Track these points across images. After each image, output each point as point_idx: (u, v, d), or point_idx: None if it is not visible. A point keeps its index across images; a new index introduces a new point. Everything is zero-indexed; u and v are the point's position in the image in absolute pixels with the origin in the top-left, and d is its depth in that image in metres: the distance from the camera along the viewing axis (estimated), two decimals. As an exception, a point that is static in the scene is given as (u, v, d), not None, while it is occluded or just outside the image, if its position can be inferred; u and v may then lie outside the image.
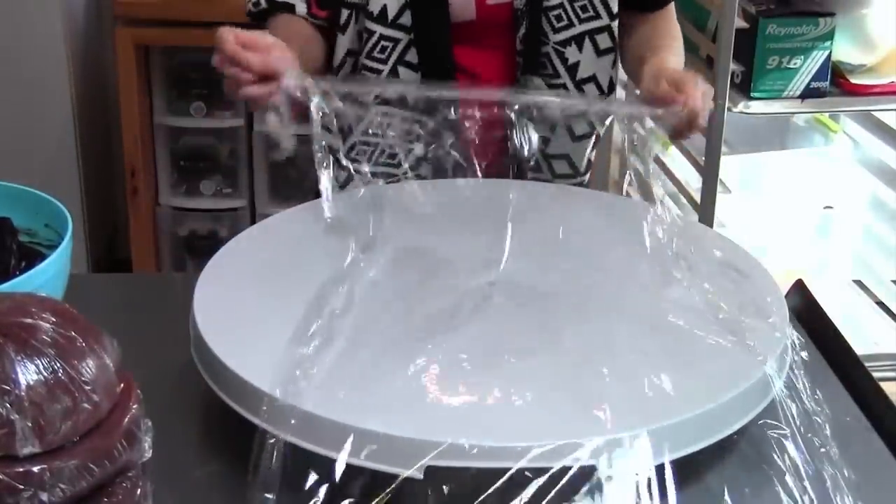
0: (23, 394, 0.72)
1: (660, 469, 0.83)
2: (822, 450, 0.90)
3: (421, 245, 1.12)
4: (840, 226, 2.27)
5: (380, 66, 1.37)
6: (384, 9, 1.35)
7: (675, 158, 2.21)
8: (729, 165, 2.02)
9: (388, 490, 0.80)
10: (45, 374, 0.73)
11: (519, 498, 0.79)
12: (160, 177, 2.67)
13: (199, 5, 2.33)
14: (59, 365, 0.74)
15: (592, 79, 1.42)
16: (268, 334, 0.94)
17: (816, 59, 1.88)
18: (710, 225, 1.68)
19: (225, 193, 2.67)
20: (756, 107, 1.91)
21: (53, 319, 0.76)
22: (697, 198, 2.02)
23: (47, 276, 1.01)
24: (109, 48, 2.60)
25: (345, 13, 1.37)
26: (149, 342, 1.04)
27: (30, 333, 0.74)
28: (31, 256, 1.10)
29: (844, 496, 0.85)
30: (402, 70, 1.37)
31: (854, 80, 1.95)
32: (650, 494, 0.81)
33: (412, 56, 1.37)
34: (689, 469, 0.85)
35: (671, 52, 1.41)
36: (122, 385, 0.79)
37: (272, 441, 0.83)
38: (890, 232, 2.22)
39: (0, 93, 2.50)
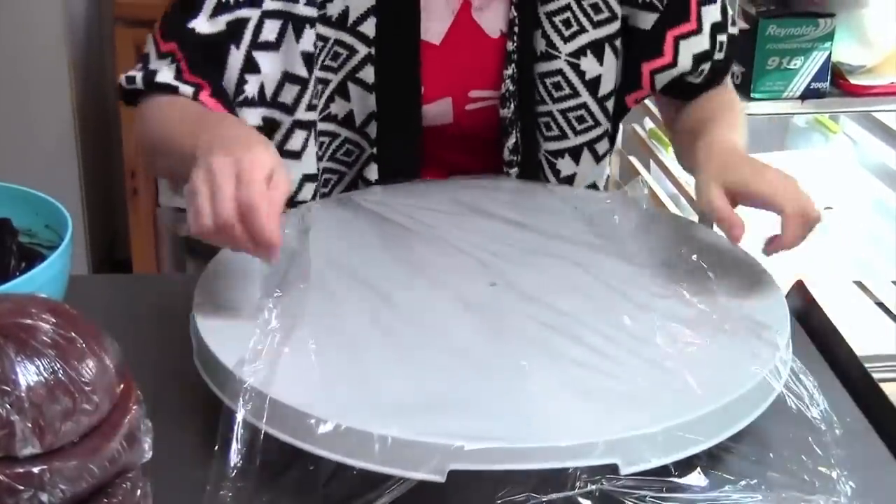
0: (23, 394, 0.72)
1: (661, 470, 0.83)
2: (822, 451, 0.89)
3: (421, 245, 1.12)
4: (840, 226, 2.27)
5: (343, 169, 1.26)
6: (350, 114, 1.21)
7: (675, 159, 2.21)
8: (729, 166, 2.01)
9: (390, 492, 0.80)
10: (45, 374, 0.73)
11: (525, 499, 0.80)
12: (160, 178, 2.66)
13: (200, 6, 2.33)
14: (59, 366, 0.74)
15: (592, 186, 1.32)
16: (267, 336, 0.94)
17: (816, 60, 1.89)
18: (710, 226, 1.68)
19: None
20: (756, 107, 1.91)
21: (53, 320, 0.76)
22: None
23: (47, 277, 1.01)
24: (110, 49, 2.60)
25: (301, 135, 1.18)
26: (149, 343, 1.04)
27: (30, 334, 0.74)
28: (31, 257, 1.10)
29: (844, 496, 0.85)
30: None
31: (854, 81, 1.95)
32: (651, 494, 0.82)
33: (372, 171, 1.24)
34: (689, 470, 0.85)
35: (729, 126, 1.15)
36: (122, 386, 0.79)
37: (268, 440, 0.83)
38: (890, 233, 2.22)
39: (0, 93, 2.50)
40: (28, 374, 0.72)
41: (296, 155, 1.20)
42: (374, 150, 1.24)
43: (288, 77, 1.17)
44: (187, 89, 1.11)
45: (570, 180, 1.29)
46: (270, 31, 1.15)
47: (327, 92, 1.21)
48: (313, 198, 1.23)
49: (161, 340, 1.05)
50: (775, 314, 1.01)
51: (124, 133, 2.55)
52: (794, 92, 1.91)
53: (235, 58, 1.14)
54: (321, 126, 1.22)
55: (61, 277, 1.05)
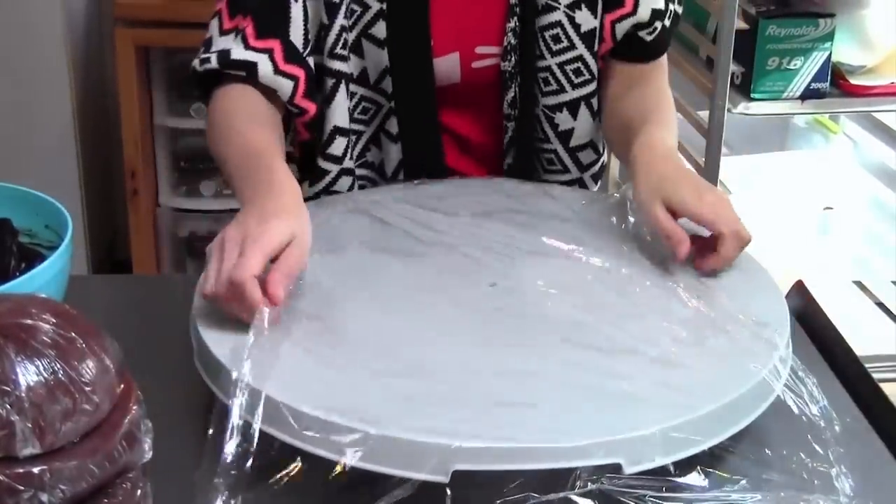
0: (23, 395, 0.72)
1: (661, 470, 0.83)
2: (822, 450, 0.89)
3: (421, 246, 1.12)
4: (840, 226, 2.27)
5: (361, 128, 1.29)
6: (364, 71, 1.25)
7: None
8: (729, 166, 2.02)
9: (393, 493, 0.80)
10: (46, 375, 0.73)
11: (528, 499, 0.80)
12: (160, 178, 2.67)
13: (199, 6, 2.32)
14: (59, 366, 0.74)
15: (589, 144, 1.34)
16: (269, 335, 0.94)
17: (816, 60, 1.88)
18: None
19: (225, 194, 2.67)
20: (756, 108, 1.91)
21: (53, 320, 0.76)
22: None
23: (47, 277, 1.01)
24: (110, 49, 2.60)
25: (329, 82, 1.24)
26: (149, 343, 1.04)
27: (30, 334, 0.74)
28: (32, 257, 1.10)
29: (844, 495, 0.85)
30: (383, 137, 1.29)
31: (854, 81, 1.95)
32: (651, 494, 0.82)
33: (391, 125, 1.28)
34: (689, 469, 0.85)
35: (665, 128, 1.21)
36: (122, 386, 0.79)
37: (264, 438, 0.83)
38: (890, 233, 2.22)
39: (0, 93, 2.50)
40: (28, 374, 0.72)
41: (325, 100, 1.24)
42: (392, 104, 1.27)
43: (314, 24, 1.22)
44: (282, 81, 1.17)
45: (568, 135, 1.32)
46: None
47: (345, 46, 1.24)
48: (344, 153, 1.27)
49: (161, 340, 1.05)
50: (775, 314, 1.01)
51: (124, 133, 2.55)
52: (794, 92, 1.90)
53: (297, 10, 1.20)
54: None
55: (61, 277, 1.05)
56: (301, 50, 1.19)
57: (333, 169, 1.28)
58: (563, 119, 1.30)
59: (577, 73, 1.28)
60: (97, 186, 2.71)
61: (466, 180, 1.30)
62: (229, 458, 0.81)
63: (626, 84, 1.31)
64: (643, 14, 1.26)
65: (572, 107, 1.30)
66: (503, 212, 1.20)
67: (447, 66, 1.27)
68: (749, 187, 2.18)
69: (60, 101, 2.54)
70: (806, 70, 1.89)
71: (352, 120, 1.28)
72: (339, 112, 1.25)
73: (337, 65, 1.23)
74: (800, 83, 1.90)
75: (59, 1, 2.48)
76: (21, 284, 0.98)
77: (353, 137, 1.29)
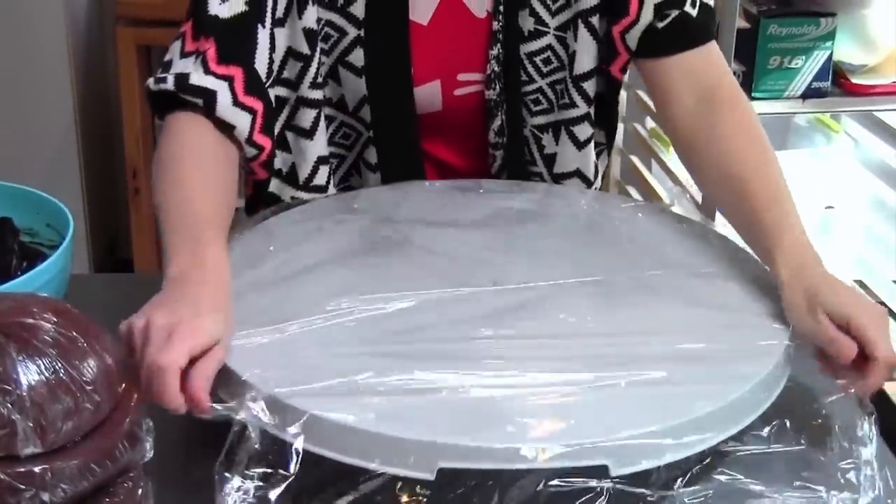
0: (24, 394, 0.72)
1: (663, 469, 0.83)
2: (822, 449, 0.90)
3: (421, 246, 1.12)
4: (841, 226, 2.27)
5: (343, 153, 1.27)
6: (342, 98, 1.22)
7: (675, 158, 2.20)
8: (730, 165, 2.01)
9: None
10: (47, 374, 0.73)
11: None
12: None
13: (201, 5, 2.33)
14: (60, 365, 0.74)
15: (576, 173, 1.29)
16: (269, 335, 0.94)
17: (818, 60, 1.88)
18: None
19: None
20: (757, 107, 1.89)
21: (55, 319, 0.76)
22: (698, 198, 2.02)
23: (49, 276, 1.01)
24: (111, 48, 2.60)
25: (311, 113, 1.19)
26: (150, 342, 1.04)
27: (31, 333, 0.74)
28: (33, 256, 1.11)
29: (844, 494, 0.85)
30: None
31: (855, 81, 1.95)
32: (658, 491, 0.82)
33: (371, 154, 1.24)
34: (690, 469, 0.85)
35: (789, 215, 1.07)
36: (123, 385, 0.79)
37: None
38: (891, 232, 2.22)
39: (2, 93, 2.50)
40: (29, 373, 0.72)
41: (306, 133, 1.20)
42: (371, 133, 1.23)
43: (292, 53, 1.18)
44: (240, 116, 1.09)
45: (552, 160, 1.28)
46: (281, 7, 1.15)
47: (321, 75, 1.21)
48: (328, 182, 1.24)
49: (162, 340, 1.05)
50: (776, 314, 1.01)
51: (126, 132, 2.55)
52: (795, 91, 1.90)
53: (263, 36, 1.13)
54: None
55: (62, 277, 1.05)
56: (264, 79, 1.13)
57: (318, 198, 1.23)
58: (548, 141, 1.27)
59: (560, 95, 1.25)
60: (98, 185, 2.71)
61: (465, 181, 1.30)
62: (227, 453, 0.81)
63: (686, 90, 1.21)
64: (647, 15, 1.20)
65: (555, 129, 1.27)
66: (503, 212, 1.20)
67: (428, 94, 1.23)
68: (750, 186, 2.18)
69: (62, 100, 2.54)
70: (807, 69, 1.89)
71: (332, 144, 1.25)
72: (321, 141, 1.22)
73: (317, 94, 1.20)
74: (801, 82, 1.90)
75: (60, 1, 2.48)
76: (22, 283, 0.98)
77: (335, 162, 1.27)
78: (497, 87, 1.23)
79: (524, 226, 1.17)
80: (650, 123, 2.43)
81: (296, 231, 1.13)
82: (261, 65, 1.13)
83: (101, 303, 1.19)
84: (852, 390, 0.93)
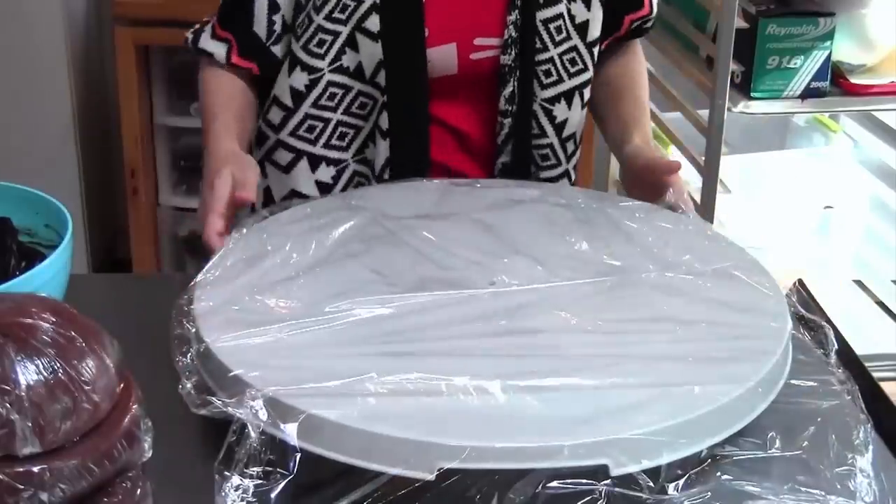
0: (23, 394, 0.72)
1: (662, 469, 0.83)
2: (821, 448, 0.90)
3: (420, 245, 1.12)
4: (840, 226, 2.27)
5: (360, 123, 1.32)
6: (360, 66, 1.28)
7: (675, 158, 2.21)
8: (729, 165, 2.02)
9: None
10: (46, 374, 0.73)
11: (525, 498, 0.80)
12: (160, 177, 2.67)
13: (199, 5, 2.31)
14: (59, 365, 0.74)
15: (573, 135, 1.38)
16: (269, 335, 0.94)
17: (816, 59, 1.88)
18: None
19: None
20: (756, 107, 1.90)
21: (53, 319, 0.76)
22: (697, 198, 2.01)
23: (47, 277, 1.01)
24: (109, 48, 2.60)
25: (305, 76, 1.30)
26: (149, 342, 1.04)
27: (30, 333, 0.74)
28: (31, 256, 1.10)
29: (844, 494, 0.85)
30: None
31: (854, 80, 1.95)
32: (655, 494, 0.82)
33: (384, 120, 1.29)
34: (688, 470, 0.85)
35: (644, 112, 1.40)
36: (122, 385, 0.79)
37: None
38: (890, 232, 2.22)
39: (0, 93, 2.50)
40: (28, 373, 0.72)
41: (301, 95, 1.31)
42: (385, 98, 1.28)
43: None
44: (220, 53, 1.32)
45: (563, 126, 1.35)
46: None
47: (337, 44, 1.27)
48: (282, 123, 1.33)
49: (161, 340, 1.05)
50: (775, 313, 1.01)
51: (124, 132, 2.55)
52: (794, 91, 1.90)
53: (261, 3, 1.29)
54: (335, 78, 1.29)
55: (61, 277, 1.05)
56: (264, 40, 1.30)
57: (272, 136, 1.35)
58: (560, 110, 1.33)
59: (573, 62, 1.32)
60: (97, 185, 2.71)
61: (464, 182, 1.30)
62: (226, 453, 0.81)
63: (614, 53, 1.43)
64: (653, 12, 1.41)
65: (569, 96, 1.33)
66: (502, 211, 1.20)
67: (443, 56, 1.28)
68: (749, 186, 2.18)
69: (60, 100, 2.54)
70: (806, 69, 1.89)
71: (349, 114, 1.30)
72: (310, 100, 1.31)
73: (312, 60, 1.29)
74: (800, 82, 1.90)
75: (58, 1, 2.48)
76: (21, 283, 0.98)
77: (351, 133, 1.32)
78: (513, 52, 1.29)
79: (522, 225, 1.17)
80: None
81: (295, 231, 1.13)
82: (259, 28, 1.30)
83: (100, 303, 1.19)
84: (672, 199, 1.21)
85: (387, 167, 1.31)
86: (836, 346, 1.01)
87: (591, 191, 1.33)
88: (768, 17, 1.86)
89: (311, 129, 1.31)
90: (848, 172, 2.27)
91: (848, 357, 1.06)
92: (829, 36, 1.87)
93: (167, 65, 2.58)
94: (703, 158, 1.92)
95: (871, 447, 0.90)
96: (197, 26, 1.35)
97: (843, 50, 1.92)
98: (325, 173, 1.32)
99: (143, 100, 2.56)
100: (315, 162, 1.32)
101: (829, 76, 1.90)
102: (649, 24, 1.44)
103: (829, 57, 1.88)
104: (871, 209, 2.29)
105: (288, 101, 1.31)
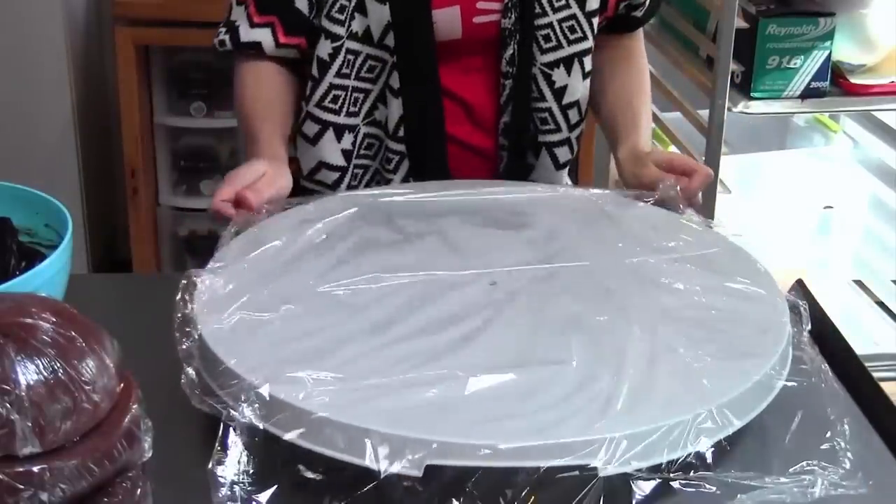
0: (23, 394, 0.72)
1: (662, 468, 0.83)
2: (822, 448, 0.90)
3: (420, 245, 1.12)
4: (840, 226, 2.27)
5: (368, 86, 1.35)
6: (368, 29, 1.32)
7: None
8: (729, 165, 2.02)
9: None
10: (46, 374, 0.73)
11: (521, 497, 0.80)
12: (160, 177, 2.66)
13: (199, 5, 2.33)
14: (59, 365, 0.74)
15: (577, 104, 1.40)
16: (269, 335, 0.94)
17: (816, 59, 1.88)
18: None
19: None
20: (756, 107, 1.91)
21: (53, 319, 0.76)
22: (698, 197, 2.01)
23: (47, 276, 1.01)
24: (109, 48, 2.60)
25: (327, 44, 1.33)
26: (149, 342, 1.04)
27: (30, 333, 0.74)
28: (31, 256, 1.10)
29: (844, 496, 0.85)
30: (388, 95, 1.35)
31: (854, 80, 1.95)
32: (655, 493, 0.82)
33: (395, 80, 1.34)
34: (690, 467, 0.85)
35: (645, 103, 1.44)
36: (122, 385, 0.79)
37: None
38: (890, 232, 2.22)
39: (0, 93, 2.50)
40: (28, 373, 0.72)
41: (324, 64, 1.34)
42: (394, 58, 1.32)
43: None
44: (267, 38, 1.33)
45: (562, 92, 1.38)
46: None
47: (348, 10, 1.31)
48: (341, 107, 1.35)
49: (161, 340, 1.05)
50: (775, 313, 1.01)
51: (124, 132, 2.55)
52: (794, 91, 1.90)
53: None
54: (351, 45, 1.33)
55: (61, 277, 1.05)
56: (307, 14, 1.33)
57: (304, 109, 1.37)
58: (560, 75, 1.37)
59: (572, 30, 1.36)
60: (97, 185, 2.71)
61: (464, 181, 1.31)
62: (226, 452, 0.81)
63: (613, 58, 1.46)
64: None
65: (568, 62, 1.37)
66: (502, 211, 1.21)
67: (448, 18, 1.32)
68: (749, 186, 2.18)
69: (60, 99, 2.54)
70: (806, 69, 1.89)
71: (359, 79, 1.34)
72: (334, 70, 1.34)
73: (334, 27, 1.31)
74: (800, 82, 1.90)
75: (58, 1, 2.48)
76: (21, 283, 0.98)
77: (361, 97, 1.35)
78: (512, 16, 1.33)
79: (522, 222, 1.18)
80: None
81: (293, 231, 1.13)
82: (301, 5, 1.33)
83: (100, 303, 1.19)
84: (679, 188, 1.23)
85: (400, 125, 1.34)
86: (809, 326, 1.02)
87: (590, 191, 1.32)
88: (768, 17, 1.86)
89: (335, 98, 1.35)
90: (848, 172, 2.28)
91: (848, 356, 1.07)
92: (829, 36, 1.87)
93: (167, 65, 2.58)
94: (703, 158, 1.92)
95: (846, 421, 0.91)
96: (222, 29, 1.36)
97: (843, 50, 1.92)
98: (347, 140, 1.36)
99: (143, 100, 2.56)
100: (339, 131, 1.36)
101: (829, 76, 1.90)
102: (640, 13, 1.45)
103: (829, 57, 1.89)
104: (870, 209, 2.29)
105: (315, 72, 1.35)
